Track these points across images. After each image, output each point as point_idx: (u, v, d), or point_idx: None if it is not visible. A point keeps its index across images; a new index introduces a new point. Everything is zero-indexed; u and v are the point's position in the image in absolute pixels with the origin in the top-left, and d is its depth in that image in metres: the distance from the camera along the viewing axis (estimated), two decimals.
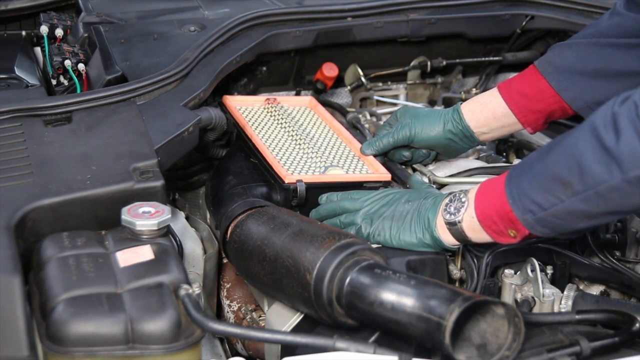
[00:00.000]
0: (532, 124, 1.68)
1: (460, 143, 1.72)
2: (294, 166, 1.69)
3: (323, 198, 1.60)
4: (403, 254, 1.44)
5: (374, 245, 1.44)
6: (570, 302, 1.47)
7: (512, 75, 2.43)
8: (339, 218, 1.53)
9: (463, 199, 1.37)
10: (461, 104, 1.73)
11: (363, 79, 2.30)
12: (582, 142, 1.19)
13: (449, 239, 1.41)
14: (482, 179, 1.71)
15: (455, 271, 1.52)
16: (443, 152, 1.76)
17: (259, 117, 1.92)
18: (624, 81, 1.56)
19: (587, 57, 1.61)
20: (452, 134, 1.71)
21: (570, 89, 1.61)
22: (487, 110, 1.69)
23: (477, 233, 1.37)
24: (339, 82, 2.30)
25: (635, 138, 1.13)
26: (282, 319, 1.43)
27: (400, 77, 2.36)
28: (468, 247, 1.56)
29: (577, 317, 1.33)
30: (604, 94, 1.50)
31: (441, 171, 1.78)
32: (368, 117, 2.15)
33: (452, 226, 1.38)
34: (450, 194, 1.42)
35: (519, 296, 1.52)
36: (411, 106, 1.85)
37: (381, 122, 2.11)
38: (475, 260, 1.53)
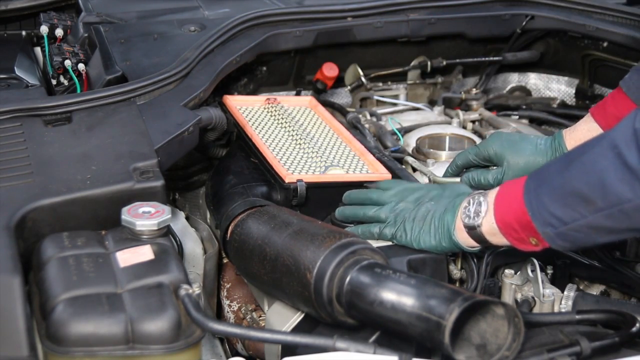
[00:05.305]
0: None
1: None
2: (294, 166, 1.69)
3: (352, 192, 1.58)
4: (404, 254, 1.44)
5: (376, 245, 1.44)
6: (570, 302, 1.47)
7: (513, 75, 2.46)
8: (363, 210, 1.51)
9: (482, 203, 1.34)
10: (560, 132, 1.67)
11: (363, 79, 2.30)
12: (603, 160, 1.17)
13: (468, 242, 1.38)
14: None
15: (456, 271, 1.52)
16: None
17: (259, 117, 1.92)
18: None
19: None
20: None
21: None
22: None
23: (497, 238, 1.34)
24: (339, 82, 2.30)
25: None
26: (282, 319, 1.43)
27: (400, 77, 2.36)
28: None
29: (578, 317, 1.33)
30: None
31: (441, 171, 1.78)
32: (368, 117, 2.15)
33: (471, 230, 1.36)
34: (469, 195, 1.39)
35: (519, 296, 1.52)
36: (505, 137, 1.69)
37: (382, 122, 2.12)
38: (475, 260, 1.53)
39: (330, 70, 2.21)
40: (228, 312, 1.75)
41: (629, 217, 1.16)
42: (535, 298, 1.49)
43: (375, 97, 2.30)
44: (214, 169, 1.87)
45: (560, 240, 1.25)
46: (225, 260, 1.80)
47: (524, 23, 2.27)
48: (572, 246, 1.27)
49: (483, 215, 1.33)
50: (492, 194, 1.35)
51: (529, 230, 1.28)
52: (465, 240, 1.38)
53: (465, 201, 1.38)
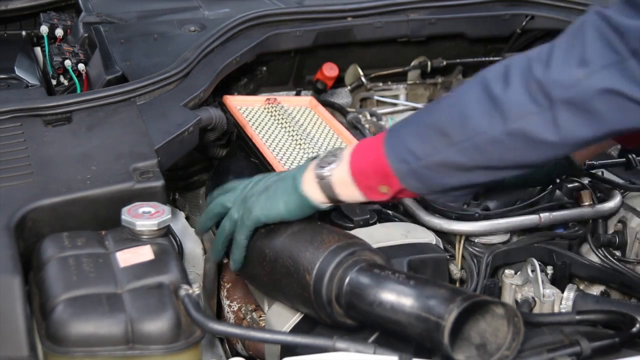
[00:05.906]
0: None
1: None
2: (294, 166, 1.69)
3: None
4: (403, 254, 1.43)
5: (376, 246, 1.44)
6: (570, 302, 1.47)
7: None
8: (211, 213, 1.42)
9: (337, 154, 1.30)
10: None
11: (363, 79, 2.30)
12: (469, 93, 1.16)
13: (316, 196, 1.31)
14: None
15: (456, 271, 1.52)
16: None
17: (259, 117, 1.92)
18: None
19: None
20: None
21: None
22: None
23: (347, 188, 1.28)
24: (339, 82, 2.30)
25: (523, 89, 1.09)
26: (282, 319, 1.43)
27: (401, 77, 2.36)
28: (468, 247, 1.56)
29: (578, 317, 1.33)
30: None
31: None
32: (368, 117, 2.15)
33: (321, 180, 1.29)
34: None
35: (519, 296, 1.52)
36: None
37: (382, 122, 2.12)
38: (475, 261, 1.53)
39: (330, 70, 2.21)
40: (228, 312, 1.75)
41: (481, 151, 1.15)
42: (536, 298, 1.49)
43: (375, 97, 2.30)
44: (214, 169, 1.87)
45: (412, 178, 1.22)
46: (225, 260, 1.79)
47: (524, 23, 2.27)
48: (424, 188, 1.23)
49: (335, 166, 1.28)
50: (351, 146, 1.30)
51: (381, 176, 1.24)
52: (314, 195, 1.31)
53: (319, 157, 1.33)
